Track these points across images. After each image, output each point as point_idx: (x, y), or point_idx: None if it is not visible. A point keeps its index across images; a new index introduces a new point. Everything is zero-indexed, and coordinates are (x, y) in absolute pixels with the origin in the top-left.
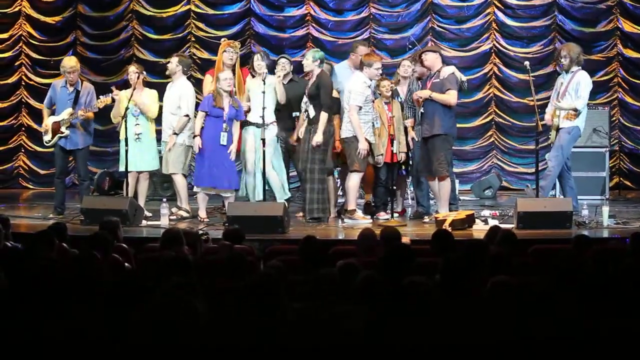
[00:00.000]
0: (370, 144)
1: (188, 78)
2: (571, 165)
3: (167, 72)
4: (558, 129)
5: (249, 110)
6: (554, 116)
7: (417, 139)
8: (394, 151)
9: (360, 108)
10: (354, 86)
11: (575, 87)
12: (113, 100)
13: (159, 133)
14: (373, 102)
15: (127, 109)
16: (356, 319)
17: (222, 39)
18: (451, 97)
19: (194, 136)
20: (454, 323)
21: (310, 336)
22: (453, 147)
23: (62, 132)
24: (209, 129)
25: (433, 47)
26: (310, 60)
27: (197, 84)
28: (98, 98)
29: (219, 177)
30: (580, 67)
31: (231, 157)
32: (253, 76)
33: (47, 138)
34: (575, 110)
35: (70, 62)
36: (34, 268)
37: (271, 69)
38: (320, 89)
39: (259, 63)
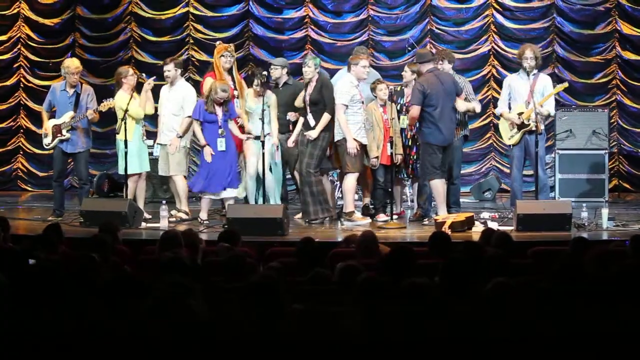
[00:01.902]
0: (363, 145)
1: (187, 80)
2: None
3: (168, 80)
4: (528, 132)
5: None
6: (526, 118)
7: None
8: (391, 153)
9: (347, 107)
10: (341, 86)
11: (542, 91)
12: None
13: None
14: (362, 102)
15: (126, 111)
16: (352, 319)
17: (217, 42)
18: (412, 111)
19: (203, 146)
20: (454, 323)
21: (310, 336)
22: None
23: (63, 135)
24: (205, 136)
25: (417, 57)
26: (313, 67)
27: (195, 86)
28: (101, 102)
29: (219, 183)
30: (539, 70)
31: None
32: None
33: (47, 141)
34: (549, 115)
35: (73, 63)
36: (36, 269)
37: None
38: (323, 92)
39: (261, 88)
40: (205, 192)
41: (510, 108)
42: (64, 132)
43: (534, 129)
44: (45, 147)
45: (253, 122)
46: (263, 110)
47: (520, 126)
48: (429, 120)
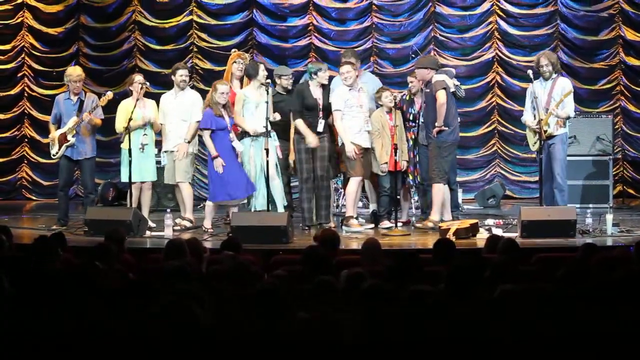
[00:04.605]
0: (367, 150)
1: (193, 86)
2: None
3: (180, 85)
4: (549, 137)
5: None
6: (545, 124)
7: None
8: (397, 159)
9: (342, 112)
10: (334, 93)
11: (560, 94)
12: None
13: (157, 143)
14: (361, 107)
15: (130, 119)
16: (352, 322)
17: (233, 50)
18: (439, 97)
19: (214, 157)
20: (461, 330)
21: (310, 340)
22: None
23: (68, 141)
24: (217, 143)
25: (424, 62)
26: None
27: (199, 94)
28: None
29: (239, 188)
30: (558, 74)
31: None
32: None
33: (54, 151)
34: (568, 117)
35: (75, 71)
36: (39, 277)
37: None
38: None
39: (266, 73)
40: (231, 201)
41: (535, 116)
42: (68, 137)
43: (554, 133)
44: (53, 157)
45: (256, 117)
46: (267, 103)
47: (540, 133)
48: (451, 119)
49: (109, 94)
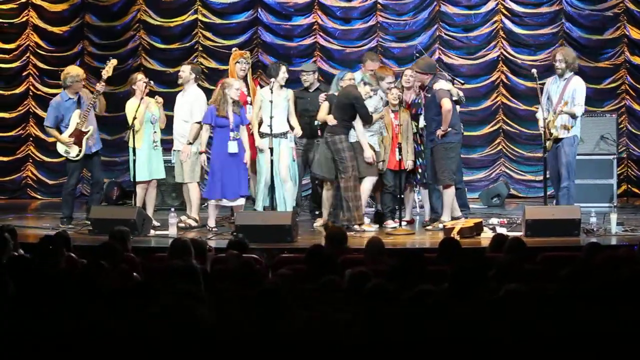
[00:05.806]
0: (375, 151)
1: (198, 85)
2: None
3: (180, 81)
4: (557, 139)
5: (261, 122)
6: (552, 127)
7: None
8: (400, 158)
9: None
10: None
11: (571, 94)
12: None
13: (165, 142)
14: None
15: (134, 118)
16: (352, 325)
17: (233, 49)
18: (447, 105)
19: (200, 152)
20: (461, 330)
21: (311, 344)
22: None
23: (85, 133)
24: (216, 141)
25: (423, 66)
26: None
27: (205, 93)
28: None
29: (231, 188)
30: (573, 73)
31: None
32: (262, 86)
33: (74, 153)
34: (574, 116)
35: (77, 70)
36: (43, 277)
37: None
38: None
39: (286, 75)
40: (222, 199)
41: (547, 113)
42: (83, 129)
43: (560, 136)
44: (75, 158)
45: (278, 116)
46: (271, 102)
47: (547, 134)
48: (454, 119)
49: (114, 60)
